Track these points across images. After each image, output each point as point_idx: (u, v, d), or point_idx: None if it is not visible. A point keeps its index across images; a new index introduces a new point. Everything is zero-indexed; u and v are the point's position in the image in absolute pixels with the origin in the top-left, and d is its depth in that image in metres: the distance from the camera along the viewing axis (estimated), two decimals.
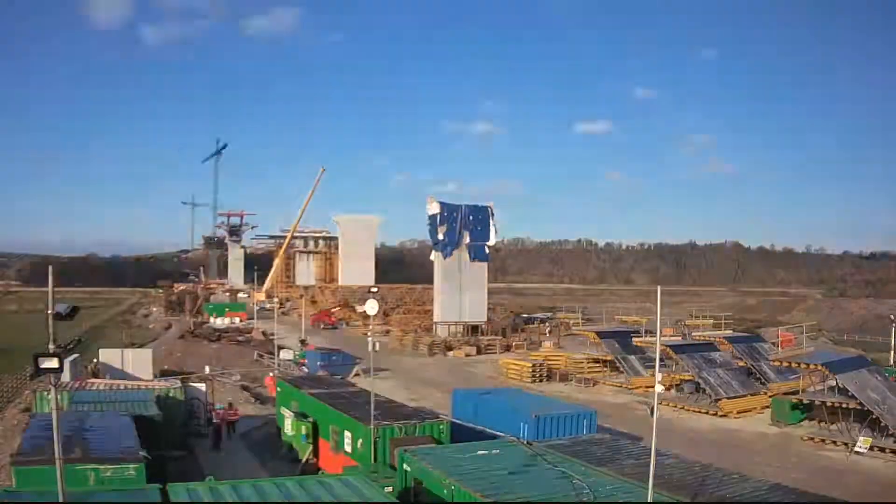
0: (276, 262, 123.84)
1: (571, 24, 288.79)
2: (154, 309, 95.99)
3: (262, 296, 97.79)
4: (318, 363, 43.63)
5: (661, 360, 16.88)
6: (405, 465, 15.19)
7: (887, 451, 25.28)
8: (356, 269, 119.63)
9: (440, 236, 64.80)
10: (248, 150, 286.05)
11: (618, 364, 42.04)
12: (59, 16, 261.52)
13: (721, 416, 32.54)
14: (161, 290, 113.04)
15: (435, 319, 66.21)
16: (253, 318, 71.99)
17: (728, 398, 33.91)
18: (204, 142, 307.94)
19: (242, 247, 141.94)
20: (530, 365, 44.57)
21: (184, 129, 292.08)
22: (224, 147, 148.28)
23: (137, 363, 33.96)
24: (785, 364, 33.88)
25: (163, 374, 36.62)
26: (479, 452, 15.42)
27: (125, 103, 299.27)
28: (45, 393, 21.34)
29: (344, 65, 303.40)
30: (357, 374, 40.63)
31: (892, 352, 38.90)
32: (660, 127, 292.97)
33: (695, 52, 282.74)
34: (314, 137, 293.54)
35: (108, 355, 34.75)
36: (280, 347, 52.71)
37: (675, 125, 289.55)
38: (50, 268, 11.93)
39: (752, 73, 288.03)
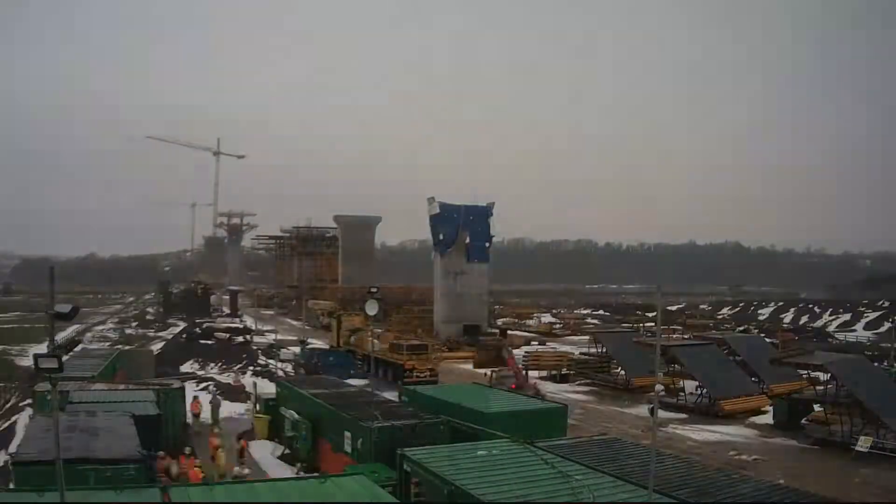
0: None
1: None
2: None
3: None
4: (317, 363, 43.49)
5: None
6: (405, 466, 15.15)
7: (888, 450, 25.23)
8: (356, 270, 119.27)
9: (440, 236, 64.57)
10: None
11: None
12: None
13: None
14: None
15: (435, 320, 66.11)
16: None
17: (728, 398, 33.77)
18: None
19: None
20: None
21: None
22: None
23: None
24: (786, 364, 33.78)
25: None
26: (479, 452, 15.37)
27: None
28: (45, 393, 21.28)
29: None
30: None
31: (892, 352, 38.80)
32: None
33: None
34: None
35: None
36: (280, 348, 52.63)
37: None
38: (51, 268, 11.93)
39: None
